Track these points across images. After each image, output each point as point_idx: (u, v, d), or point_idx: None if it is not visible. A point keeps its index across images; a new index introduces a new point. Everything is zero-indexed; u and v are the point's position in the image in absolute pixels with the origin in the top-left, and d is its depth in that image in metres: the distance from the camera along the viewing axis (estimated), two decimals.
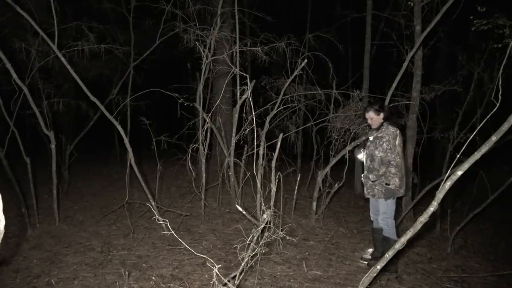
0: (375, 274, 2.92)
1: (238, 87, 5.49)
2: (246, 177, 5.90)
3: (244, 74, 4.60)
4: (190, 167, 5.31)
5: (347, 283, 3.88)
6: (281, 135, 4.66)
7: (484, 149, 2.54)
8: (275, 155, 4.70)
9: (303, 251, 4.73)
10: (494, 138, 2.52)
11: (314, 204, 5.70)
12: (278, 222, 5.16)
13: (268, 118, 5.41)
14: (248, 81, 4.55)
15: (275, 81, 7.22)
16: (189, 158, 5.27)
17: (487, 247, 5.34)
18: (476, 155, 2.56)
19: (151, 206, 4.20)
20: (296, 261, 4.38)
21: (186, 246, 2.50)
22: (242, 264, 2.86)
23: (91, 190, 7.74)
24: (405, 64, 4.63)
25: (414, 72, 5.53)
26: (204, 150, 5.36)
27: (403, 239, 2.85)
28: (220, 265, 3.11)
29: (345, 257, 4.60)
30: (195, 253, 2.40)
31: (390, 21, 7.94)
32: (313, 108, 6.62)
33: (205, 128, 5.35)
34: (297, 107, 6.45)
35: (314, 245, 4.95)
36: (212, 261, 2.33)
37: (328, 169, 5.58)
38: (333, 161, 5.49)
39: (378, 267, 2.92)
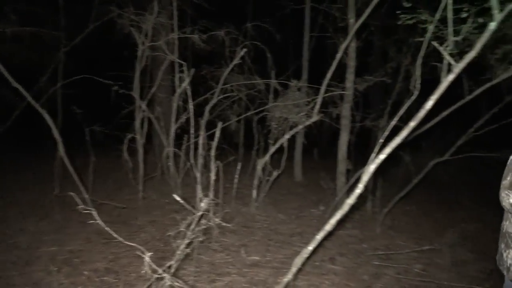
0: (307, 255, 3.06)
1: (177, 76, 5.38)
2: (187, 167, 5.83)
3: (181, 61, 4.51)
4: (127, 158, 5.13)
5: (284, 266, 4.01)
6: (219, 124, 4.66)
7: (404, 133, 2.74)
8: (214, 144, 4.70)
9: (243, 238, 4.80)
10: (412, 124, 2.72)
11: (254, 192, 5.79)
12: (217, 210, 5.20)
13: (208, 108, 5.38)
14: (185, 69, 4.48)
15: (216, 71, 7.17)
16: (125, 148, 5.09)
17: (412, 226, 5.78)
18: (397, 140, 2.75)
19: (74, 198, 4.01)
20: (235, 248, 4.45)
21: (116, 236, 2.43)
22: (177, 253, 2.85)
23: (18, 184, 7.20)
24: (338, 55, 4.82)
25: (348, 63, 5.78)
26: (141, 139, 5.21)
27: (333, 221, 3.01)
28: (155, 255, 3.06)
29: (283, 242, 4.75)
30: (123, 242, 2.34)
31: (328, 14, 8.19)
32: (254, 98, 6.68)
33: (142, 117, 5.19)
34: (237, 97, 6.47)
35: (254, 232, 5.05)
36: (142, 249, 2.29)
37: (267, 157, 5.68)
38: (272, 150, 5.60)
39: (310, 248, 3.06)
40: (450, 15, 2.69)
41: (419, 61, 2.86)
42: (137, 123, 5.15)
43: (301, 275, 3.83)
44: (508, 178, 2.51)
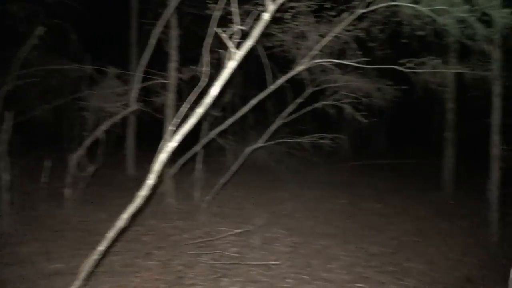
0: (97, 256, 2.81)
1: None
2: None
3: None
4: None
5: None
6: (8, 115, 3.96)
7: (192, 120, 2.70)
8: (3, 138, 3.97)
9: (49, 245, 4.21)
10: (200, 111, 2.70)
11: (68, 190, 5.18)
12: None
13: (1, 94, 4.52)
14: None
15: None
16: None
17: (237, 211, 6.03)
18: (186, 127, 2.70)
19: None
20: (35, 257, 3.86)
21: None
22: None
23: None
24: (151, 42, 4.61)
25: (170, 52, 5.64)
26: None
27: (126, 215, 2.83)
28: None
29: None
30: None
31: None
32: (68, 85, 5.96)
33: None
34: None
35: (65, 235, 4.50)
36: None
37: (82, 151, 5.13)
38: (86, 143, 5.08)
39: (101, 248, 2.82)
40: (234, 6, 2.74)
41: (206, 48, 2.86)
42: None
43: (108, 277, 3.55)
44: None
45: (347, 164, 9.78)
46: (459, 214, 6.18)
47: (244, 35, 2.80)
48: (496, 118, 4.57)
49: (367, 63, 4.63)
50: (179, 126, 2.70)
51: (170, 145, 2.66)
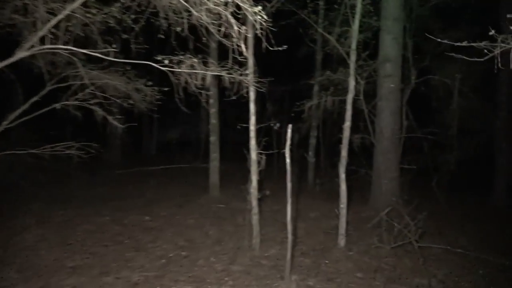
0: None
1: None
2: None
3: None
4: None
5: None
6: None
7: None
8: None
9: None
10: None
11: None
12: None
13: None
14: None
15: None
16: None
17: None
18: None
19: None
20: None
21: None
22: None
23: None
24: None
25: None
26: None
27: None
28: None
29: None
30: None
31: None
32: None
33: None
34: None
35: None
36: None
37: None
38: None
39: None
40: None
41: None
42: None
43: None
44: None
45: (113, 173, 8.75)
46: (225, 217, 6.22)
47: None
48: (252, 123, 4.66)
49: (124, 58, 3.88)
50: None
51: None
